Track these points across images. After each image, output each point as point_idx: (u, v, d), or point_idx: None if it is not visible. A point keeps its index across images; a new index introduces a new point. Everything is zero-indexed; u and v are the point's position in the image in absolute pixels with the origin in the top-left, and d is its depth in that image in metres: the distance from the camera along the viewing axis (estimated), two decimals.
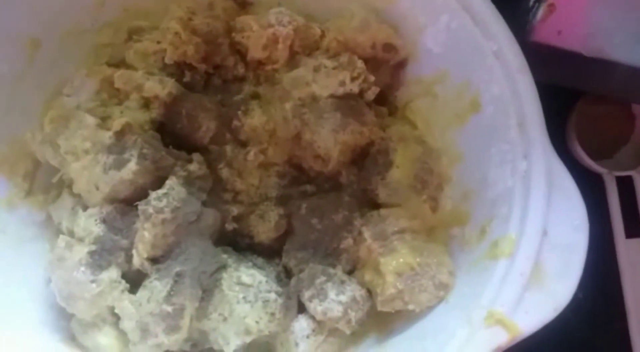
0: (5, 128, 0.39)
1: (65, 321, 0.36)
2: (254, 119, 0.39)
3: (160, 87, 0.38)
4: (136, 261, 0.35)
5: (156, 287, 0.34)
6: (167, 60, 0.40)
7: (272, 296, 0.35)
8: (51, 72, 0.40)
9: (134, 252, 0.35)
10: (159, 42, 0.40)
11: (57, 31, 0.40)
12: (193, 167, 0.36)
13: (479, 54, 0.37)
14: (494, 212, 0.34)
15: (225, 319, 0.34)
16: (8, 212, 0.38)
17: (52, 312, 0.37)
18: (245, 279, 0.35)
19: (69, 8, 0.40)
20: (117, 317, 0.35)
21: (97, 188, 0.36)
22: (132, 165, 0.35)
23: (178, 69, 0.41)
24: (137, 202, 0.35)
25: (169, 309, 0.33)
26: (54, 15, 0.40)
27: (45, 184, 0.40)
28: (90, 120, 0.37)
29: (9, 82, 0.39)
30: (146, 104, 0.39)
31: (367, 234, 0.36)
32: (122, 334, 0.35)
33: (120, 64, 0.41)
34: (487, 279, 0.32)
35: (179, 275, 0.34)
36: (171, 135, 0.39)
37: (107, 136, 0.36)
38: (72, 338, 0.36)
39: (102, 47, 0.41)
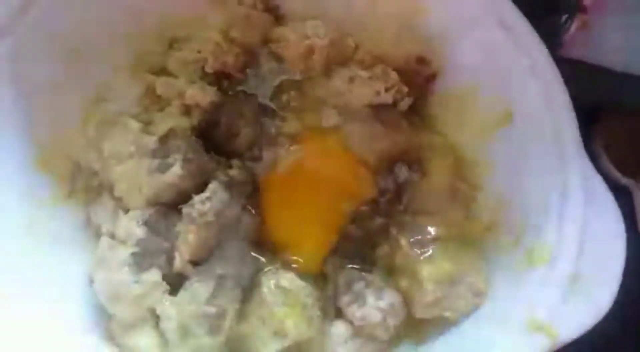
0: (49, 131, 0.40)
1: (105, 321, 0.37)
2: (290, 127, 0.40)
3: (202, 94, 0.39)
4: (178, 263, 0.35)
5: (198, 289, 0.34)
6: (207, 69, 0.41)
7: (311, 300, 0.35)
8: (92, 79, 0.41)
9: (176, 254, 0.35)
10: (199, 52, 0.41)
11: (97, 40, 0.41)
12: (234, 172, 0.37)
13: (513, 68, 0.37)
14: (529, 221, 0.35)
15: (264, 323, 0.34)
16: (50, 214, 0.39)
17: (92, 312, 0.37)
18: (284, 283, 0.35)
19: (109, 18, 0.41)
20: (157, 318, 0.35)
21: (140, 191, 0.37)
22: (177, 169, 0.36)
23: (217, 78, 0.42)
24: (180, 205, 0.36)
25: (212, 310, 0.33)
26: (94, 25, 0.41)
27: (85, 187, 0.40)
28: (135, 125, 0.38)
29: (52, 88, 0.40)
30: (187, 111, 0.40)
31: (403, 241, 0.37)
32: (162, 335, 0.35)
33: (160, 72, 0.42)
34: (524, 286, 0.32)
35: (221, 277, 0.34)
36: (210, 141, 0.40)
37: (151, 141, 0.37)
38: (111, 338, 0.37)
39: (144, 56, 0.42)
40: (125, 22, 0.42)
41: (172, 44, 0.43)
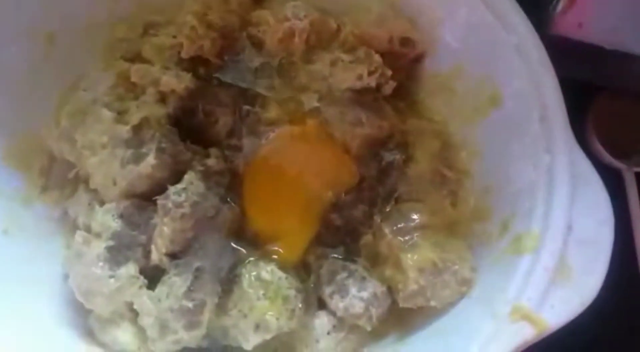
0: (21, 123, 0.39)
1: (83, 317, 0.36)
2: (271, 113, 0.39)
3: (177, 81, 0.38)
4: (154, 257, 0.35)
5: (175, 283, 0.33)
6: (183, 55, 0.39)
7: (292, 292, 0.34)
8: (66, 67, 0.40)
9: (152, 247, 0.34)
10: (175, 37, 0.40)
11: (72, 26, 0.40)
12: (211, 161, 0.36)
13: (499, 48, 0.36)
14: (516, 207, 0.34)
15: (245, 316, 0.33)
16: (25, 209, 0.38)
17: (70, 308, 0.36)
18: (265, 275, 0.34)
19: (84, 3, 0.40)
20: (135, 313, 0.34)
21: (115, 183, 0.35)
22: (151, 160, 0.34)
23: (193, 64, 0.40)
24: (155, 197, 0.35)
25: (190, 304, 0.33)
26: (68, 10, 0.39)
27: (61, 179, 0.40)
28: (107, 114, 0.36)
29: (25, 77, 0.39)
30: (162, 98, 0.38)
31: (387, 229, 0.36)
32: (141, 330, 0.34)
33: (136, 58, 0.40)
34: (511, 274, 0.31)
35: (199, 270, 0.33)
36: (187, 129, 0.38)
37: (124, 130, 0.36)
38: (90, 334, 0.36)
39: (118, 42, 0.41)
40: (102, 7, 0.41)
41: (147, 29, 0.41)
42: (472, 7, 0.37)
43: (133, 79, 0.39)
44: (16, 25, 0.38)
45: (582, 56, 0.39)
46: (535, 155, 0.34)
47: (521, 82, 0.35)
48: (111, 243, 0.34)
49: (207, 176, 0.35)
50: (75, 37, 0.40)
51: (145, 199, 0.36)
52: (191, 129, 0.38)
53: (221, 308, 0.34)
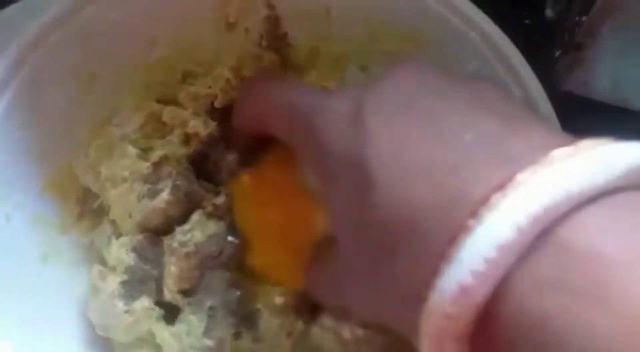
0: (60, 154, 0.41)
1: (108, 339, 0.38)
2: None
3: (204, 127, 0.40)
4: (167, 295, 0.37)
5: (193, 321, 0.35)
6: (216, 105, 0.42)
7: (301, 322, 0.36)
8: (103, 104, 0.43)
9: (164, 286, 0.36)
10: (210, 87, 0.42)
11: (111, 67, 0.43)
12: (219, 200, 0.38)
13: None
14: None
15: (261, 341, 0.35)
16: (61, 235, 0.41)
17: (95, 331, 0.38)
18: (279, 301, 0.36)
19: (125, 46, 0.43)
20: (156, 339, 0.36)
21: (131, 216, 0.38)
22: (165, 196, 0.37)
23: (222, 114, 0.42)
24: (164, 237, 0.37)
25: (210, 343, 0.34)
26: (110, 52, 0.42)
27: (93, 209, 0.42)
28: (132, 150, 0.39)
29: (65, 113, 0.41)
30: (187, 140, 0.41)
31: None
32: None
33: (170, 102, 0.43)
34: None
35: (212, 309, 0.35)
36: (202, 170, 0.41)
37: (144, 166, 0.38)
38: None
39: (155, 85, 0.44)
40: (141, 51, 0.43)
41: (186, 77, 0.44)
42: (483, 61, 0.38)
43: (164, 119, 0.41)
44: (65, 67, 0.41)
45: (590, 112, 0.39)
46: None
47: None
48: (125, 277, 0.36)
49: (213, 215, 0.37)
50: (113, 78, 0.43)
51: (157, 234, 0.38)
52: (204, 170, 0.40)
53: (241, 339, 0.36)
